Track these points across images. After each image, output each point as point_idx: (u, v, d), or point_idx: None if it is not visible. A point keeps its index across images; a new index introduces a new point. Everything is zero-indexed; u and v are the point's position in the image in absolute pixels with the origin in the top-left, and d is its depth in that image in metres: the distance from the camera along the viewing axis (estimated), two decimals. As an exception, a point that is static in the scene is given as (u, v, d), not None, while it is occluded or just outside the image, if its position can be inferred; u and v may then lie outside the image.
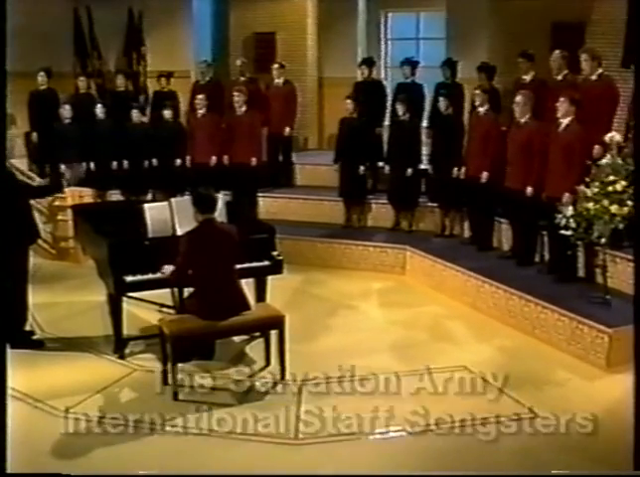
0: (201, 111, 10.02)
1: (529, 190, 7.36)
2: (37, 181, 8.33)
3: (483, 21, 10.22)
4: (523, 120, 7.53)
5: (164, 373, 5.58)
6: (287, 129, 10.51)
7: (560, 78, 7.97)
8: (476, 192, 8.22)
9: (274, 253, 6.45)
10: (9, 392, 5.07)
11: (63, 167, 9.86)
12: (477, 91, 8.30)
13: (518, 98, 7.51)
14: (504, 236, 8.29)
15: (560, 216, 6.55)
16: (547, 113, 7.65)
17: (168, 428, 5.04)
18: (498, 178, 7.88)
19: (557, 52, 8.01)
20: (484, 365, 6.06)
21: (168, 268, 5.69)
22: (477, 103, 8.30)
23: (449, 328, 7.05)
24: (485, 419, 5.16)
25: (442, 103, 8.74)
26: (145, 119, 10.62)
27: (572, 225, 6.44)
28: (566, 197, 6.81)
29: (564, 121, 7.05)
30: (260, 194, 10.14)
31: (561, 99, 7.02)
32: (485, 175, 8.07)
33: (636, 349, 4.17)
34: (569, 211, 6.49)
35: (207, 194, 5.58)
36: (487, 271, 7.53)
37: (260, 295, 6.51)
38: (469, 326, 7.05)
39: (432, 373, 5.95)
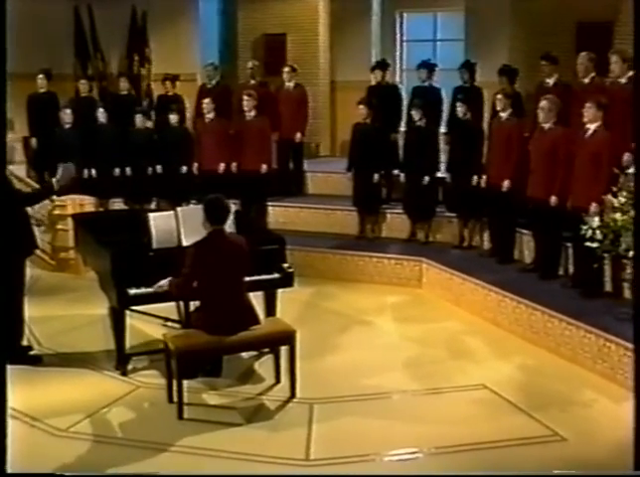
0: (209, 116, 10.08)
1: (553, 199, 7.37)
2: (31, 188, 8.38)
3: (504, 21, 10.26)
4: (547, 126, 7.54)
5: (169, 390, 5.60)
6: (298, 135, 10.56)
7: (587, 81, 7.95)
8: (497, 201, 8.23)
9: (285, 265, 6.45)
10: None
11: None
12: (499, 96, 8.31)
13: (543, 103, 7.51)
14: (526, 247, 8.28)
15: (585, 227, 6.54)
16: (571, 118, 7.66)
17: (172, 448, 5.05)
18: (520, 187, 7.88)
19: (583, 54, 8.01)
20: (505, 384, 6.05)
21: (163, 284, 5.72)
22: (499, 108, 8.30)
23: (468, 345, 7.04)
24: (505, 442, 5.14)
25: (460, 108, 8.77)
26: (149, 124, 10.69)
27: (599, 236, 6.43)
28: (593, 207, 6.80)
29: (591, 127, 7.06)
30: (270, 203, 10.20)
31: (588, 104, 7.03)
32: (506, 183, 8.08)
33: (636, 351, 4.24)
34: (596, 222, 6.48)
35: (219, 203, 5.59)
36: (508, 285, 7.52)
37: (270, 309, 6.52)
38: (489, 342, 7.04)
39: (450, 392, 5.97)
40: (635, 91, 5.06)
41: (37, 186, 9.50)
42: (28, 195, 6.94)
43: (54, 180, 6.63)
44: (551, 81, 8.42)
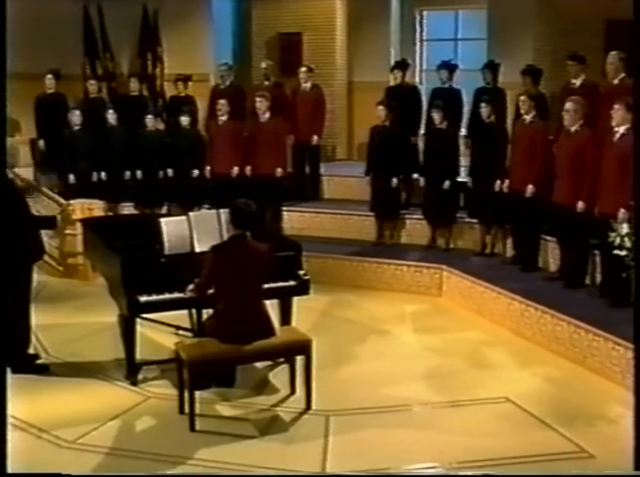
0: (222, 118, 10.12)
1: (579, 205, 7.35)
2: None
3: (528, 19, 10.23)
4: (573, 129, 7.52)
5: (180, 401, 5.61)
6: (315, 138, 10.57)
7: (616, 81, 7.92)
8: (520, 207, 8.21)
9: (300, 273, 6.47)
10: (11, 420, 5.14)
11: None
12: (522, 98, 8.30)
13: (568, 105, 7.50)
14: (551, 255, 8.26)
15: (613, 234, 6.51)
16: (599, 121, 7.64)
17: (184, 461, 5.05)
18: (545, 192, 7.87)
19: (613, 53, 7.96)
20: (529, 397, 6.03)
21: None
22: (522, 110, 8.29)
23: (490, 356, 7.02)
24: (530, 457, 5.12)
25: (484, 110, 8.74)
26: (160, 126, 10.73)
27: (628, 244, 6.39)
28: (622, 213, 6.77)
29: (620, 130, 7.03)
30: (285, 208, 10.23)
31: (617, 106, 7.00)
32: (530, 188, 8.06)
33: (636, 351, 4.28)
34: (625, 229, 6.45)
35: (247, 208, 5.61)
36: (532, 294, 7.50)
37: (285, 318, 6.53)
38: (512, 354, 7.02)
39: (472, 405, 5.96)
40: (635, 92, 5.06)
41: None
42: (38, 220, 6.96)
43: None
44: (577, 82, 8.39)
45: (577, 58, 8.41)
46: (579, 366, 6.67)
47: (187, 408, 5.48)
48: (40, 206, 9.61)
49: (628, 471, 4.33)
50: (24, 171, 10.81)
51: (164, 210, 10.25)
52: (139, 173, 10.51)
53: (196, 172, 10.29)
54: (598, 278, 7.57)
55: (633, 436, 4.07)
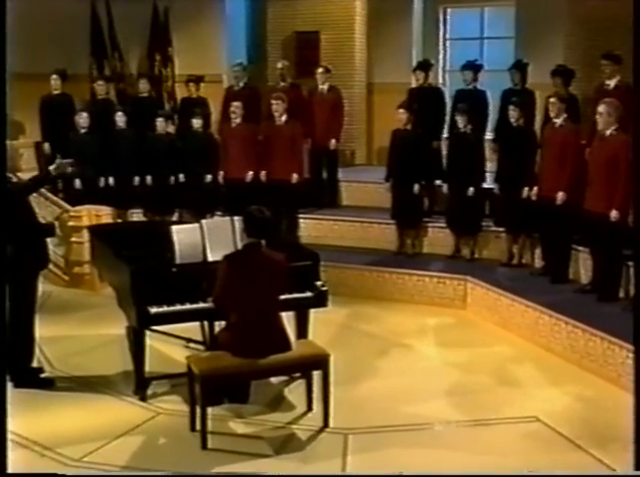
0: (236, 121, 10.14)
1: (613, 214, 7.32)
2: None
3: (558, 16, 10.21)
4: (607, 133, 7.49)
5: (192, 417, 5.61)
6: (333, 142, 10.59)
7: (654, 82, 7.90)
8: (550, 215, 8.18)
9: (318, 283, 6.45)
10: (13, 437, 5.16)
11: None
12: (552, 100, 8.28)
13: (602, 108, 7.47)
14: (583, 266, 8.23)
15: (649, 244, 6.49)
16: (634, 124, 7.59)
17: (195, 481, 5.08)
18: (576, 199, 7.85)
19: (653, 51, 7.94)
20: (559, 416, 6.00)
21: None
22: (552, 113, 8.26)
23: (518, 372, 7.00)
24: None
25: (513, 113, 8.70)
26: (171, 129, 10.79)
27: (664, 255, 6.38)
28: (658, 222, 6.74)
29: (656, 134, 7.01)
30: (302, 215, 10.25)
31: (653, 109, 6.98)
32: (561, 196, 8.04)
33: (636, 351, 4.38)
34: (661, 238, 6.42)
35: (261, 216, 5.63)
36: (562, 307, 7.48)
37: (302, 331, 6.53)
38: (541, 370, 7.00)
39: (498, 424, 5.93)
40: (635, 92, 5.08)
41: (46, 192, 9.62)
42: (25, 185, 6.89)
43: (50, 168, 6.68)
44: (612, 83, 8.36)
45: (613, 57, 8.36)
46: (613, 384, 6.62)
47: (198, 425, 5.48)
48: (45, 212, 9.64)
49: (628, 471, 4.33)
50: (28, 176, 10.81)
51: (175, 217, 10.29)
52: (149, 178, 10.55)
53: (208, 177, 10.33)
54: (632, 291, 7.52)
55: (633, 437, 4.04)
